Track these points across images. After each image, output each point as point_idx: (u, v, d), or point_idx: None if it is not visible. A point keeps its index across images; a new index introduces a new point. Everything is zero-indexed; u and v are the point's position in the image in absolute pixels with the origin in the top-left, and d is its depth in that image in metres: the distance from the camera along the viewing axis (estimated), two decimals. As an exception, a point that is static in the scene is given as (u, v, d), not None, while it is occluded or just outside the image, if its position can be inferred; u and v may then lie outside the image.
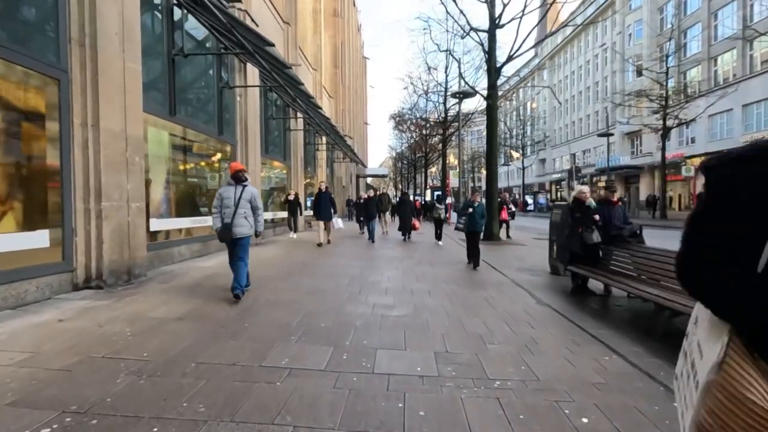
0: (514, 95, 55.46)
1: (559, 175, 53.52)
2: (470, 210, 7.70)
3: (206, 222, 8.01)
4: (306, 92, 9.06)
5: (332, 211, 10.41)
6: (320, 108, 10.18)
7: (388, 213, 14.40)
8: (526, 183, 54.40)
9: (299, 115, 14.26)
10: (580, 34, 48.44)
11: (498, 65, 12.44)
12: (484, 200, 10.92)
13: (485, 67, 12.93)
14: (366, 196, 12.42)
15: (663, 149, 25.11)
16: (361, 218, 13.82)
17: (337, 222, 11.43)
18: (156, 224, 6.40)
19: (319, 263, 7.54)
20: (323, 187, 10.28)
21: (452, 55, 15.65)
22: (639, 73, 36.89)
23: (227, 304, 4.39)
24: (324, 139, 18.48)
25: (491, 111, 12.74)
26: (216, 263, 7.01)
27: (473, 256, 7.62)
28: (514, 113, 55.27)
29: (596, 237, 5.49)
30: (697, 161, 30.05)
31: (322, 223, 10.20)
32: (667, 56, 24.80)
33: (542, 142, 50.21)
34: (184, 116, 7.22)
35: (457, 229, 8.31)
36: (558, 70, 55.11)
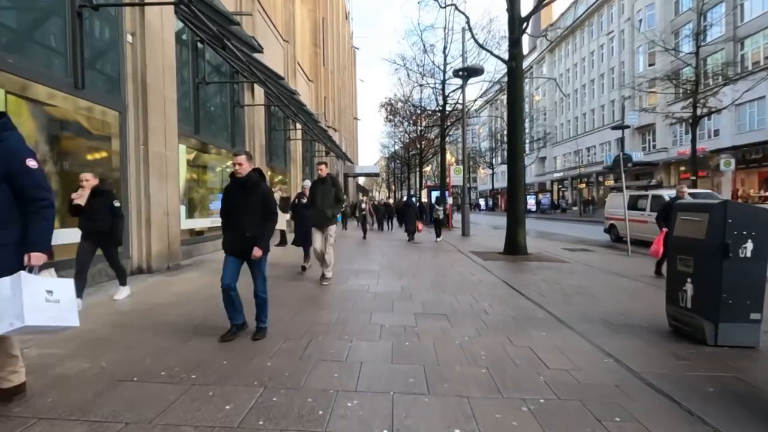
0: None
1: (561, 174, 50.53)
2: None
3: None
4: (234, 23, 5.53)
5: (112, 233, 4.22)
6: (260, 53, 6.67)
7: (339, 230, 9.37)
8: (524, 183, 51.27)
9: (260, 90, 10.72)
10: (583, 23, 45.47)
11: (523, 15, 9.04)
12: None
13: (493, 42, 9.58)
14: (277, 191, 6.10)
15: (693, 141, 21.93)
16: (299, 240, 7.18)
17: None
18: None
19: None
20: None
21: (457, 8, 12.14)
22: (651, 63, 34.04)
23: None
24: (298, 126, 14.96)
25: (514, 79, 9.33)
26: None
27: None
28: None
29: None
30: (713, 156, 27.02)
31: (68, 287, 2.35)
32: (698, 34, 21.65)
33: (542, 139, 47.04)
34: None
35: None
36: (558, 63, 52.17)
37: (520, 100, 9.37)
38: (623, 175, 10.33)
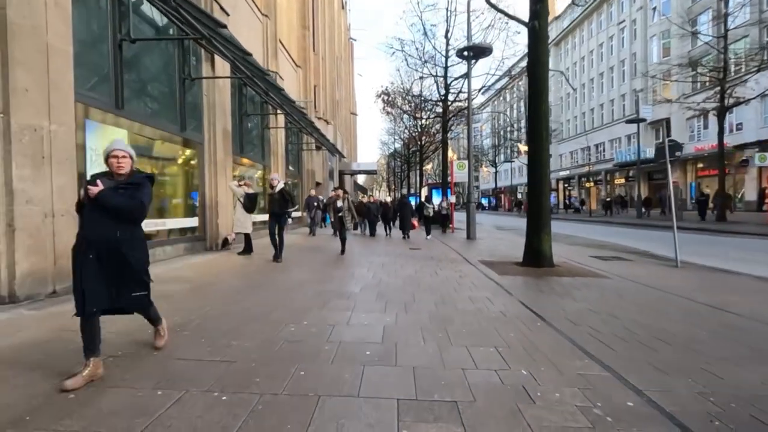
0: (520, 83, 50.36)
1: (567, 172, 48.50)
2: None
3: None
4: None
5: None
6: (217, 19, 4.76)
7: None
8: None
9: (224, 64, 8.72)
10: (591, 14, 43.41)
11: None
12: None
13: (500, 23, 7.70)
14: None
15: (720, 134, 19.92)
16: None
17: None
18: None
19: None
20: None
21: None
22: (666, 54, 31.98)
23: None
24: (280, 112, 12.98)
25: (537, 43, 7.36)
26: None
27: None
28: (521, 102, 50.13)
29: None
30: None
31: None
32: (725, 15, 19.67)
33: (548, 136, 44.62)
34: None
35: None
36: (564, 56, 50.15)
37: (544, 70, 7.39)
38: (669, 166, 8.35)
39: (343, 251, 8.93)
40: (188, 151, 8.36)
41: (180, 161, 8.17)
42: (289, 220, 8.77)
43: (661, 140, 8.47)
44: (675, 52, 30.01)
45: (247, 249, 8.52)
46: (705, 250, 10.55)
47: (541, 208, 7.33)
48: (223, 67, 9.07)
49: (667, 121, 9.14)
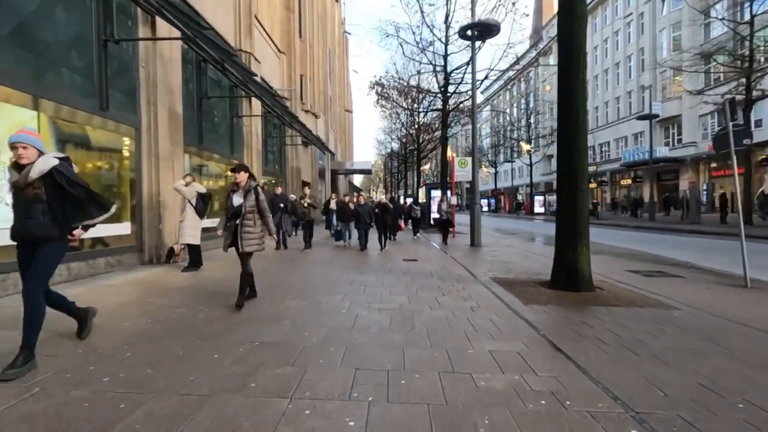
0: (522, 80, 48.72)
1: (570, 173, 46.71)
2: None
3: None
4: None
5: None
6: None
7: None
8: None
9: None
10: (595, 8, 41.74)
11: None
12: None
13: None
14: None
15: (747, 129, 18.13)
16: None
17: None
18: None
19: None
20: None
21: None
22: (675, 49, 30.29)
23: None
24: (249, 94, 11.11)
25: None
26: None
27: None
28: (523, 100, 48.45)
29: None
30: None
31: None
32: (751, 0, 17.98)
33: (550, 135, 43.23)
34: None
35: None
36: (567, 54, 48.41)
37: (581, 26, 5.59)
38: (734, 155, 6.57)
39: (240, 305, 4.27)
40: (114, 137, 6.46)
41: (98, 148, 6.25)
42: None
43: (722, 126, 6.69)
44: (687, 44, 28.35)
45: (195, 263, 6.67)
46: (758, 261, 8.76)
47: (576, 211, 5.50)
48: (169, 32, 7.20)
49: (731, 101, 7.57)
